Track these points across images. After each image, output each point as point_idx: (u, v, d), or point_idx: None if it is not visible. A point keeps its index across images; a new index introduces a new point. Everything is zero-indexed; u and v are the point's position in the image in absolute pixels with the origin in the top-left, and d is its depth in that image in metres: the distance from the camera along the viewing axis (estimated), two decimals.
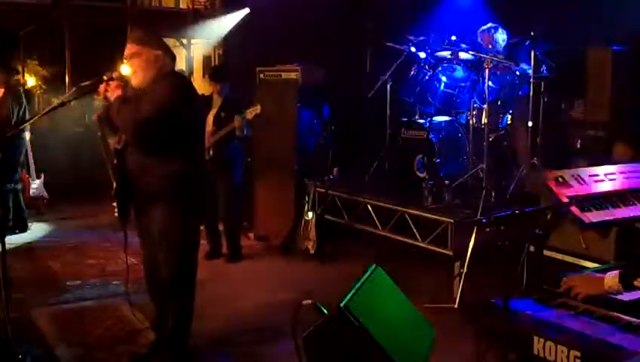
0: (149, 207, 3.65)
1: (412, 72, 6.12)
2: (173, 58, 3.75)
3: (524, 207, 2.60)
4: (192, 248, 3.76)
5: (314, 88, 6.78)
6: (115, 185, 3.61)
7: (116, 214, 3.68)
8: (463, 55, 5.98)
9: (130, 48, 3.61)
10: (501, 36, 5.95)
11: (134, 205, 3.70)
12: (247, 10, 9.73)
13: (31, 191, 7.64)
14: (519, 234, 4.23)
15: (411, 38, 6.20)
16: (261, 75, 7.18)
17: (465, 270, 4.75)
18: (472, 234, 4.77)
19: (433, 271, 5.83)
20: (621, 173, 3.01)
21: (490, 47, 5.88)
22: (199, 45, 11.06)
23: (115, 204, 3.66)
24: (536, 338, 2.14)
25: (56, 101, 3.52)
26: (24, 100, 6.72)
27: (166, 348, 3.76)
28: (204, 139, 3.82)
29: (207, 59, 11.26)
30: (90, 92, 3.70)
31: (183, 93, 3.63)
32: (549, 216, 3.11)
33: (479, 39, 5.98)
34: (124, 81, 3.72)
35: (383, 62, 6.57)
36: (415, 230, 5.36)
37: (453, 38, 5.88)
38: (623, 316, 2.29)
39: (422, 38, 6.06)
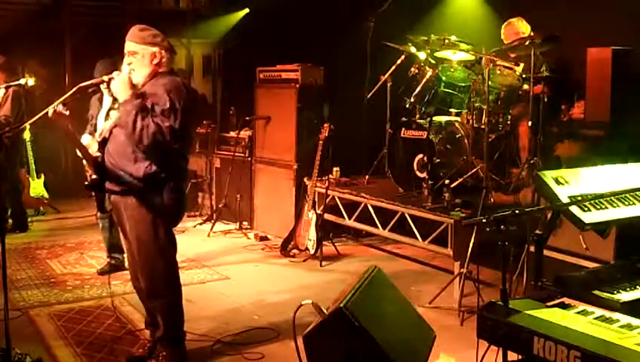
0: (124, 204, 3.64)
1: (412, 72, 6.11)
2: (173, 55, 3.77)
3: (524, 207, 2.59)
4: (169, 248, 3.73)
5: (314, 88, 6.79)
6: (94, 176, 3.57)
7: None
8: (462, 55, 5.97)
9: (127, 46, 3.62)
10: (506, 29, 5.95)
11: (111, 201, 3.69)
12: (246, 10, 9.74)
13: (31, 191, 7.65)
14: (519, 234, 4.24)
15: (411, 38, 6.20)
16: (261, 75, 7.18)
17: (465, 270, 4.75)
18: (472, 234, 4.77)
19: (433, 271, 5.84)
20: (621, 173, 3.01)
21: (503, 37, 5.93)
22: (199, 45, 11.06)
23: (93, 195, 3.65)
24: (536, 339, 2.13)
25: (56, 101, 3.50)
26: (24, 100, 6.71)
27: (163, 349, 3.76)
28: (190, 142, 3.83)
29: (207, 59, 11.26)
30: (92, 92, 3.70)
31: (187, 93, 3.66)
32: (549, 216, 3.10)
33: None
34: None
35: (383, 62, 6.57)
36: (415, 230, 5.36)
37: (453, 37, 5.88)
38: (623, 316, 2.29)
39: (422, 38, 6.05)
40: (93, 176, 3.57)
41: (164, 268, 3.72)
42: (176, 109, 3.49)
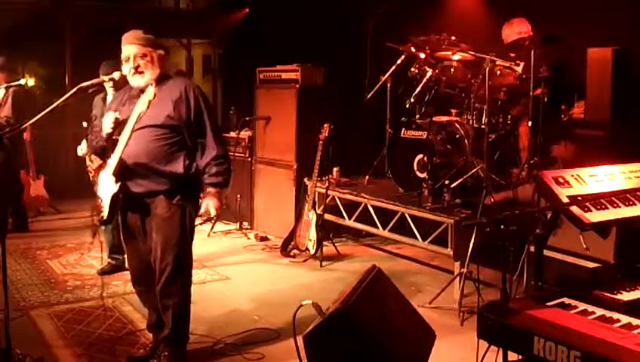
0: (152, 204, 3.63)
1: (412, 72, 6.11)
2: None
3: (524, 207, 2.59)
4: (189, 245, 3.76)
5: (314, 88, 6.78)
6: (119, 183, 3.51)
7: (104, 214, 3.55)
8: (462, 55, 5.97)
9: (132, 49, 3.62)
10: (507, 29, 5.96)
11: (130, 203, 3.64)
12: (247, 10, 9.75)
13: (31, 191, 7.65)
14: (519, 234, 4.24)
15: (411, 38, 6.20)
16: (261, 75, 7.18)
17: (465, 270, 4.75)
18: (472, 234, 4.77)
19: (433, 271, 5.84)
20: (621, 173, 3.01)
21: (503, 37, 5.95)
22: (199, 45, 11.06)
23: (103, 204, 3.54)
24: (536, 339, 2.13)
25: (56, 101, 3.50)
26: (24, 100, 6.71)
27: (165, 349, 3.76)
28: None
29: (207, 59, 11.27)
30: (92, 92, 3.69)
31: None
32: (549, 216, 3.11)
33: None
34: (122, 82, 3.75)
35: (383, 62, 6.57)
36: (415, 230, 5.36)
37: (453, 38, 5.88)
38: (623, 316, 2.29)
39: (422, 38, 6.05)
40: (119, 183, 3.51)
41: (186, 266, 3.73)
42: (210, 114, 3.72)
